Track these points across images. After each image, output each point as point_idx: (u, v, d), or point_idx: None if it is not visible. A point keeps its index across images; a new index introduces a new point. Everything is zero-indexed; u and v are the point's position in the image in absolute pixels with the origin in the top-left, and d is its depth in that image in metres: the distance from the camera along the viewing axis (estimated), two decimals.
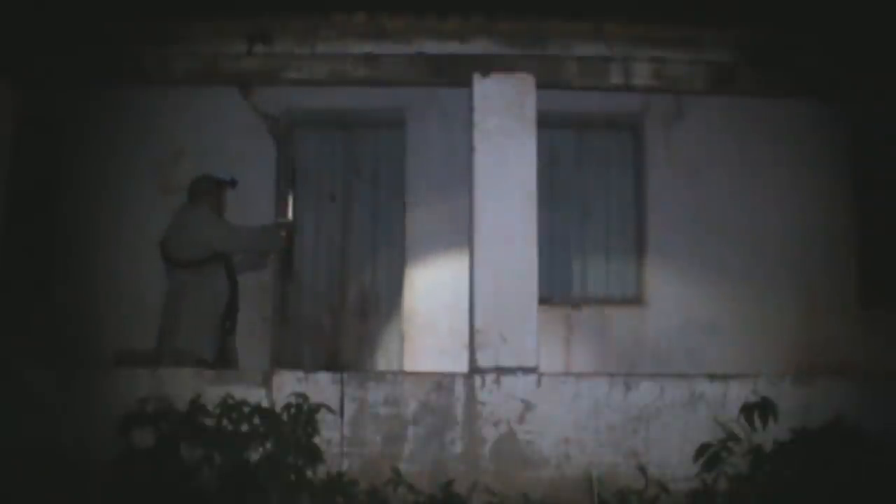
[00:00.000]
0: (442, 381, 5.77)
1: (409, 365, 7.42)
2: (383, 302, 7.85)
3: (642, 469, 5.55)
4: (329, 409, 5.35)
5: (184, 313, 6.29)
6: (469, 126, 6.15)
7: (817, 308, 7.57)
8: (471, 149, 6.12)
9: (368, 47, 6.18)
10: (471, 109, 6.13)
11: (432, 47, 6.19)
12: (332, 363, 7.48)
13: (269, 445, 4.99)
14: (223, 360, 6.35)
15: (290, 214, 6.95)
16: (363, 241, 7.91)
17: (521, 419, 5.71)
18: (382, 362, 7.71)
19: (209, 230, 6.41)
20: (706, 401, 5.70)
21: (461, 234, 6.43)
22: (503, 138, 6.08)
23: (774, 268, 7.62)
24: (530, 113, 6.11)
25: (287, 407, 5.17)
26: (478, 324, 5.92)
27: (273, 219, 7.31)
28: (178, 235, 6.43)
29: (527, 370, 5.80)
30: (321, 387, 5.61)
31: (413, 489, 5.35)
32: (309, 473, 5.03)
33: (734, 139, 7.76)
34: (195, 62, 6.26)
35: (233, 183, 6.71)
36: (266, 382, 5.64)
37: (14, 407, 5.53)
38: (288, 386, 5.53)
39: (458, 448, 5.68)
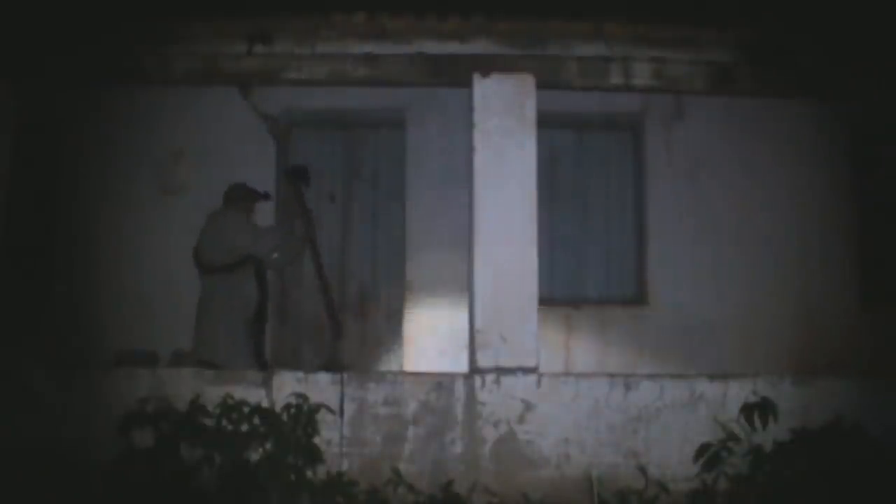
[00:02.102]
0: (442, 381, 5.77)
1: (409, 365, 7.42)
2: (383, 302, 7.84)
3: (642, 469, 5.55)
4: (329, 409, 5.35)
5: (214, 318, 6.30)
6: (469, 126, 6.15)
7: (817, 308, 7.56)
8: (471, 149, 6.12)
9: (368, 47, 6.18)
10: (471, 109, 6.13)
11: (432, 47, 6.19)
12: (332, 363, 7.47)
13: (269, 445, 4.99)
14: (259, 363, 6.37)
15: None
16: (363, 241, 7.91)
17: (521, 419, 5.71)
18: (382, 362, 7.71)
19: (237, 234, 6.48)
20: (706, 401, 5.70)
21: (461, 234, 6.43)
22: (503, 138, 6.08)
23: (774, 268, 7.62)
24: (530, 113, 6.11)
25: (287, 407, 5.17)
26: (478, 324, 5.92)
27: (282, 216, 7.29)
28: (209, 240, 6.46)
29: (527, 370, 5.80)
30: (321, 387, 5.62)
31: (413, 489, 5.35)
32: (309, 473, 5.03)
33: (734, 139, 7.76)
34: (195, 62, 6.26)
35: (266, 196, 6.82)
36: (266, 383, 5.65)
37: (14, 407, 5.53)
38: (288, 386, 5.54)
39: (458, 448, 5.68)
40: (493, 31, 6.19)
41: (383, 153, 7.97)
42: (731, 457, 4.90)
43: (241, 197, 6.75)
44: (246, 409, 5.08)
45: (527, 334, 5.89)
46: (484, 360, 5.83)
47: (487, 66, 6.14)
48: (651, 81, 6.29)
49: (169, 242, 7.43)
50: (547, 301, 6.35)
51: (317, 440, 5.15)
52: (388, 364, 7.66)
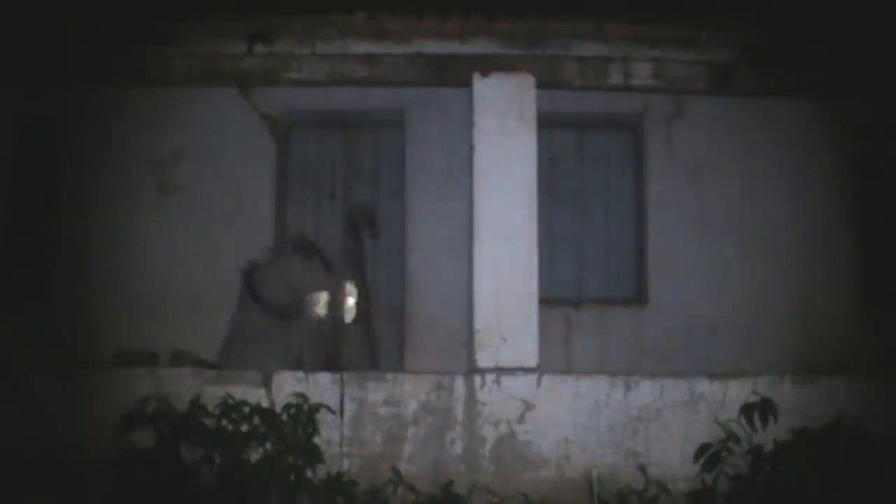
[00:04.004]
0: (442, 381, 5.77)
1: (410, 365, 7.42)
2: (383, 302, 7.84)
3: (642, 469, 5.55)
4: (329, 409, 5.35)
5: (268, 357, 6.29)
6: (469, 125, 6.15)
7: (817, 308, 7.56)
8: (471, 148, 6.12)
9: (368, 47, 6.18)
10: (471, 109, 6.13)
11: (432, 47, 6.18)
12: (332, 363, 7.47)
13: (269, 445, 4.99)
14: None
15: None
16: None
17: (521, 419, 5.71)
18: (383, 362, 7.69)
19: (314, 281, 6.49)
20: (706, 401, 5.70)
21: (461, 234, 6.43)
22: (503, 138, 6.08)
23: (775, 267, 7.62)
24: (530, 113, 6.11)
25: (287, 407, 5.17)
26: (478, 324, 5.91)
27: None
28: (278, 281, 6.42)
29: (527, 370, 5.80)
30: (321, 387, 5.62)
31: (413, 489, 5.35)
32: (309, 473, 5.03)
33: (734, 139, 7.75)
34: (195, 62, 6.25)
35: (329, 267, 6.80)
36: (266, 382, 5.65)
37: (14, 407, 5.53)
38: (288, 386, 5.54)
39: (458, 448, 5.68)
40: (493, 31, 6.18)
41: (383, 153, 7.97)
42: (731, 457, 4.89)
43: (312, 250, 6.76)
44: (246, 409, 5.08)
45: (527, 334, 5.89)
46: (484, 360, 5.83)
47: (487, 65, 6.14)
48: (651, 81, 6.29)
49: (168, 242, 7.44)
50: (547, 301, 6.34)
51: (317, 440, 5.15)
52: (388, 364, 7.64)
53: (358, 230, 6.82)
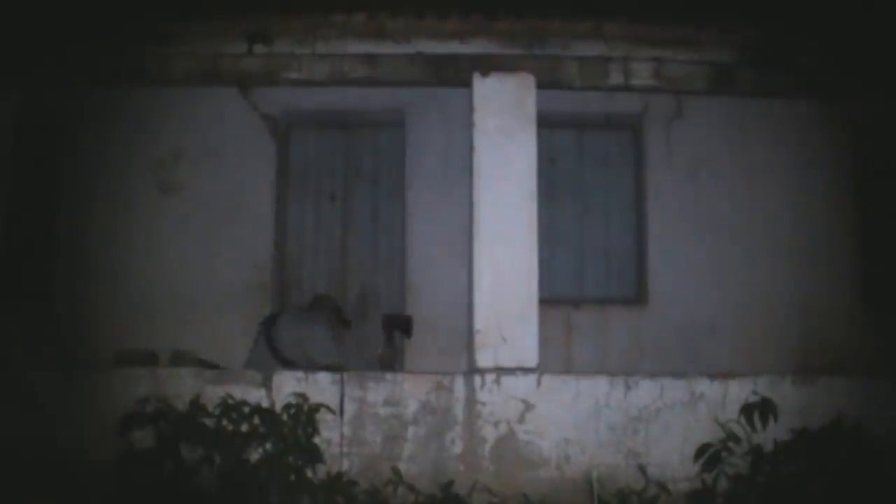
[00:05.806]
0: (442, 381, 5.76)
1: (410, 365, 7.42)
2: (383, 302, 7.83)
3: (642, 469, 5.55)
4: (329, 409, 5.36)
5: None
6: (469, 126, 6.15)
7: (817, 308, 7.56)
8: (471, 148, 6.12)
9: (368, 47, 6.18)
10: (471, 109, 6.12)
11: (432, 47, 6.18)
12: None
13: (269, 445, 4.99)
14: None
15: None
16: (363, 241, 7.91)
17: (521, 419, 5.71)
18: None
19: (325, 354, 6.50)
20: (706, 401, 5.69)
21: (461, 234, 6.44)
22: (503, 138, 6.08)
23: (775, 268, 7.62)
24: (530, 113, 6.10)
25: (287, 407, 5.18)
26: (478, 324, 5.91)
27: None
28: (291, 341, 6.49)
29: (527, 370, 5.80)
30: (321, 387, 5.61)
31: (413, 489, 5.35)
32: (309, 473, 5.03)
33: (734, 139, 7.75)
34: (195, 62, 6.25)
35: (347, 324, 6.84)
36: (266, 382, 5.64)
37: (14, 407, 5.53)
38: (288, 386, 5.54)
39: (458, 448, 5.68)
40: (493, 30, 6.18)
41: (383, 153, 7.97)
42: (731, 457, 4.90)
43: (334, 308, 6.82)
44: (246, 409, 5.09)
45: (527, 334, 5.89)
46: (484, 360, 5.83)
47: (487, 65, 6.13)
48: (651, 81, 6.29)
49: (168, 242, 7.45)
50: (547, 301, 6.34)
51: (317, 440, 5.16)
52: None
53: (393, 336, 6.90)
